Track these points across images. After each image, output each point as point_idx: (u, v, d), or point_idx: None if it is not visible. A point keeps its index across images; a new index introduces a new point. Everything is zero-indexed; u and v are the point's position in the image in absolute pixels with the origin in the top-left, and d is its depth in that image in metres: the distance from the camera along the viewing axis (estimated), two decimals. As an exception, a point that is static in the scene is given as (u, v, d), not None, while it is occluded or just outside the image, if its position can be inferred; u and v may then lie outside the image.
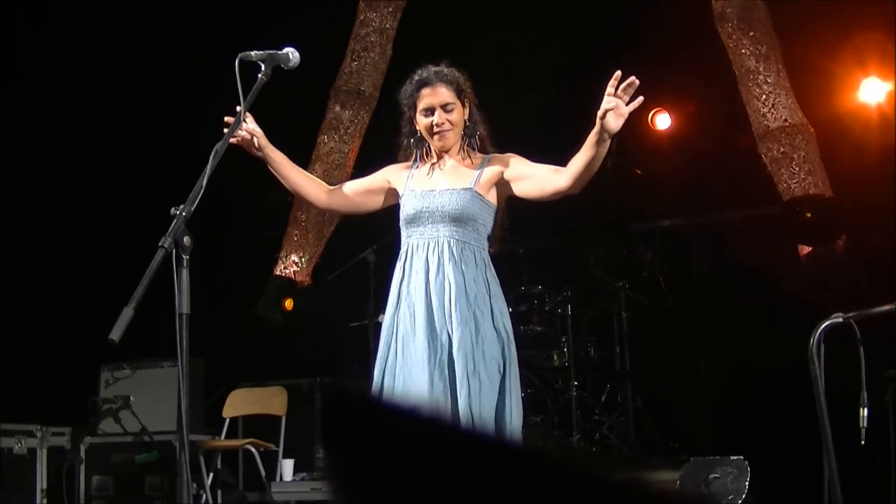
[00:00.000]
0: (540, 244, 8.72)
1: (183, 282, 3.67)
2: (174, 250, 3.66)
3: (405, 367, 4.41)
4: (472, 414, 4.25)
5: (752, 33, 9.02)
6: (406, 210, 4.59)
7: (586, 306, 8.57)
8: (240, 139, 4.50)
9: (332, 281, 9.25)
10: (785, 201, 8.73)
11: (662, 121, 9.18)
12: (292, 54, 4.20)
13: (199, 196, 3.77)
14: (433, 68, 4.64)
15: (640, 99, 4.19)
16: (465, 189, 4.53)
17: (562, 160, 4.41)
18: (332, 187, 4.92)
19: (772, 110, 8.93)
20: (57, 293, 9.40)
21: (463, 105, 4.62)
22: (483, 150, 4.68)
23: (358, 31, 10.19)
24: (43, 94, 9.51)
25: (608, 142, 4.23)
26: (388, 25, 10.17)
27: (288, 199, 9.77)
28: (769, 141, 8.91)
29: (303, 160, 10.06)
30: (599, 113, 4.14)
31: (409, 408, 1.07)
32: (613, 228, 8.55)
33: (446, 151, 4.64)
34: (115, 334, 3.50)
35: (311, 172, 8.93)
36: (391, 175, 4.77)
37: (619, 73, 4.16)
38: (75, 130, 9.68)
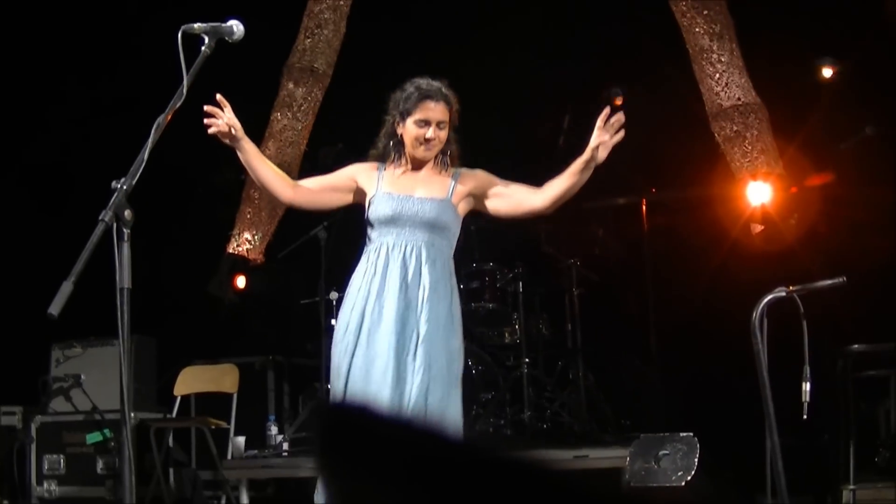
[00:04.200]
0: (491, 221, 8.71)
1: (124, 256, 3.64)
2: (115, 224, 3.62)
3: (368, 357, 4.61)
4: (425, 403, 4.54)
5: (706, 12, 9.04)
6: (382, 210, 4.75)
7: (538, 283, 8.56)
8: (218, 129, 4.64)
9: (283, 258, 9.23)
10: (737, 179, 8.76)
11: (616, 98, 9.17)
12: (236, 27, 4.15)
13: (141, 169, 3.74)
14: (436, 84, 4.82)
15: (622, 133, 4.57)
16: (443, 200, 4.77)
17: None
18: (296, 183, 5.01)
19: (725, 89, 8.96)
20: (6, 272, 9.32)
21: (449, 126, 4.83)
22: (452, 165, 4.90)
23: (311, 8, 10.12)
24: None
25: (592, 170, 4.65)
26: (341, 2, 10.10)
27: (241, 177, 9.72)
28: (722, 119, 8.94)
29: (256, 137, 9.98)
30: (591, 145, 4.55)
31: (404, 421, 1.08)
32: (565, 205, 8.55)
33: (422, 163, 4.84)
34: (54, 309, 3.47)
35: (263, 150, 8.92)
36: (358, 174, 4.93)
37: (608, 109, 4.59)
38: (12, 102, 9.57)
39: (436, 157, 4.84)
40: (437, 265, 4.68)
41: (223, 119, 4.63)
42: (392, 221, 4.71)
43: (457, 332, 4.74)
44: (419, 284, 4.63)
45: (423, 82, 4.80)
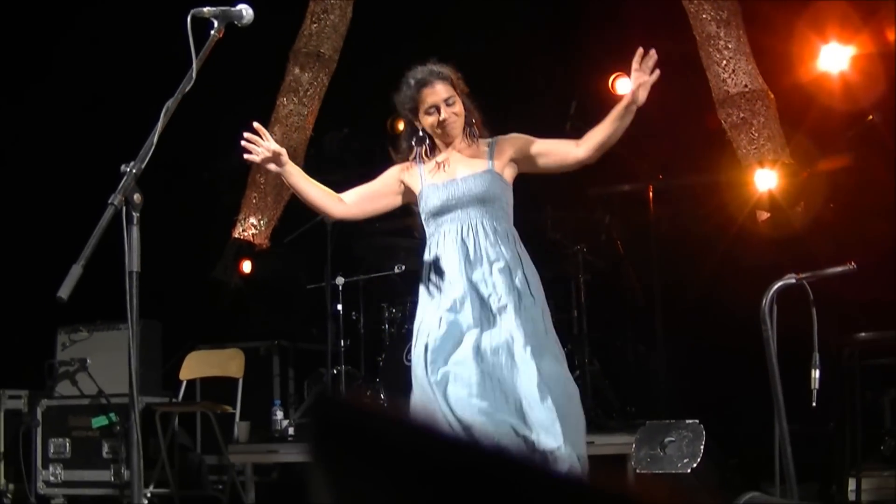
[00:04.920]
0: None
1: (133, 240, 3.64)
2: (124, 207, 3.62)
3: (449, 340, 4.54)
4: (537, 369, 4.39)
5: (713, -2, 9.03)
6: (431, 202, 4.77)
7: (544, 270, 8.53)
8: (262, 158, 4.70)
9: (289, 243, 9.23)
10: (744, 166, 8.75)
11: (623, 85, 9.13)
12: (245, 11, 4.15)
13: (150, 153, 3.74)
14: (426, 68, 4.82)
15: (658, 72, 4.56)
16: (486, 171, 4.76)
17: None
18: (343, 195, 4.99)
19: (732, 76, 8.94)
20: (12, 255, 9.33)
21: (458, 97, 4.81)
22: (482, 135, 4.89)
23: (318, -7, 10.13)
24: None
25: (633, 113, 4.59)
26: (348, -13, 10.11)
27: (247, 163, 9.72)
28: (729, 106, 8.93)
29: (262, 122, 10.00)
30: (633, 86, 4.54)
31: (401, 418, 1.07)
32: (571, 192, 8.52)
33: (451, 143, 4.84)
34: (64, 292, 3.47)
35: (270, 134, 8.85)
36: (402, 174, 4.95)
37: (641, 49, 4.55)
38: (24, 87, 9.58)
39: (463, 131, 4.85)
40: (497, 237, 4.66)
41: (264, 147, 4.68)
42: (443, 210, 4.73)
43: (536, 298, 4.66)
44: (482, 260, 4.61)
45: (415, 72, 4.82)
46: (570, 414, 4.42)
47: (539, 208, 8.55)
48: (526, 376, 4.39)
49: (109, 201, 3.60)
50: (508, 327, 4.50)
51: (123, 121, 7.09)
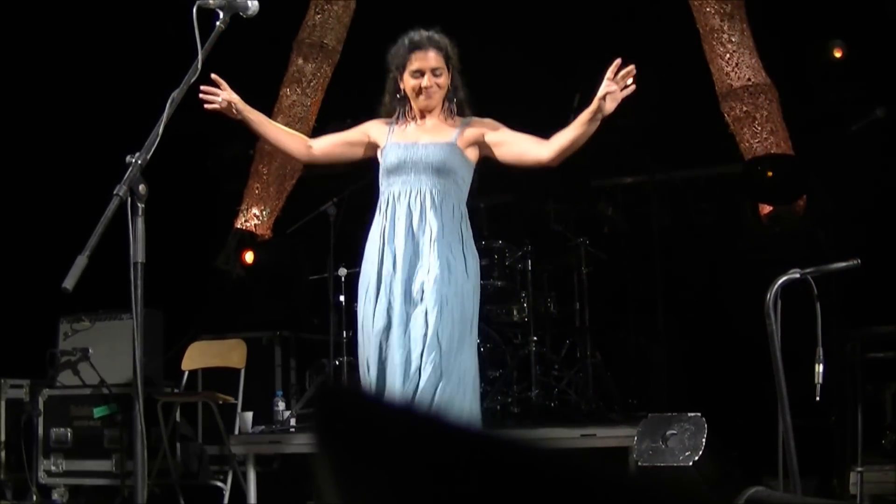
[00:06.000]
0: (500, 199, 8.70)
1: (138, 230, 3.64)
2: (129, 198, 3.63)
3: (384, 305, 4.68)
4: (438, 341, 4.55)
5: (717, -9, 9.02)
6: (389, 160, 4.84)
7: (546, 261, 8.55)
8: (218, 107, 4.78)
9: (292, 234, 9.22)
10: (747, 160, 8.75)
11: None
12: (251, 2, 4.16)
13: (156, 144, 3.74)
14: (426, 33, 4.88)
15: (633, 87, 4.51)
16: (448, 143, 4.82)
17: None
18: (312, 140, 5.17)
19: (735, 69, 8.93)
20: (14, 244, 9.32)
21: (448, 70, 4.88)
22: (461, 114, 4.94)
23: (321, -16, 10.13)
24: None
25: (599, 122, 4.59)
26: (351, -22, 10.11)
27: (249, 153, 9.72)
28: (732, 100, 8.93)
29: (265, 112, 9.98)
30: (599, 94, 4.49)
31: (405, 406, 1.07)
32: (574, 184, 8.52)
33: (429, 112, 4.90)
34: (69, 283, 3.47)
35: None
36: (371, 129, 5.03)
37: (619, 60, 4.50)
38: (28, 77, 9.57)
39: (443, 104, 4.91)
40: (443, 209, 4.71)
41: (220, 96, 4.75)
42: (398, 169, 4.79)
43: (470, 276, 4.73)
44: (425, 229, 4.67)
45: (414, 33, 4.88)
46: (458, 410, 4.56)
47: (541, 200, 8.55)
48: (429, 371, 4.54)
49: (115, 192, 3.60)
50: (433, 299, 4.58)
51: (128, 111, 7.10)
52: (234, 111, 4.79)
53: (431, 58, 4.80)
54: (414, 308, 4.61)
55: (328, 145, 5.11)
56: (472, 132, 4.85)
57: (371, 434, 1.04)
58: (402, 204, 4.73)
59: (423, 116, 4.91)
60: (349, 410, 1.07)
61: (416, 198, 4.71)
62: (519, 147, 4.84)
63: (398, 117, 4.96)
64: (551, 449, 0.95)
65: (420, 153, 4.77)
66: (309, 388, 8.84)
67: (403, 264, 4.65)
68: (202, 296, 9.67)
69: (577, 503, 0.95)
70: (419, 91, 4.82)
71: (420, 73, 4.81)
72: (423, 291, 4.60)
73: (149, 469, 7.50)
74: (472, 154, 4.88)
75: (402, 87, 4.90)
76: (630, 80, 4.50)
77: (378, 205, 4.87)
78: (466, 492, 0.96)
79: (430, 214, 4.67)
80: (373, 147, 4.99)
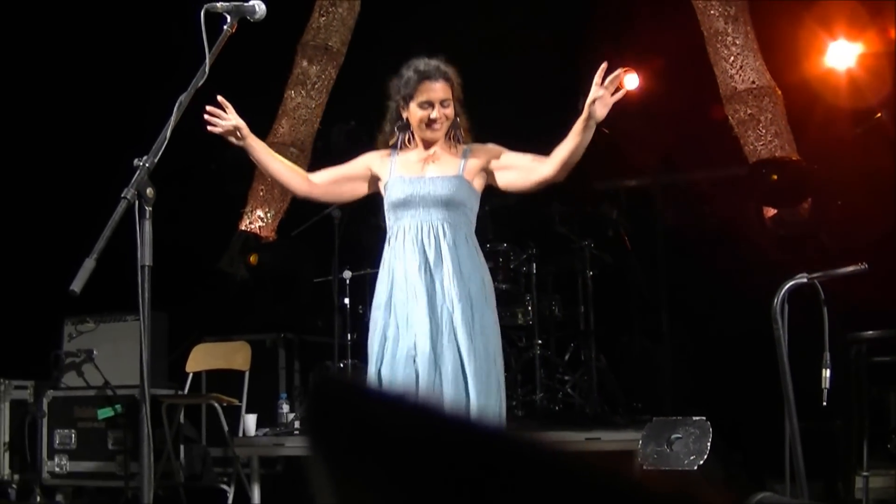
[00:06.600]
0: (505, 202, 8.70)
1: (145, 233, 3.64)
2: (137, 202, 3.63)
3: (408, 335, 4.60)
4: (465, 387, 4.50)
5: (721, -6, 9.02)
6: (395, 195, 4.75)
7: (551, 264, 8.55)
8: (221, 130, 4.70)
9: (296, 236, 9.23)
10: (751, 163, 8.75)
11: (630, 81, 9.14)
12: (258, 6, 4.16)
13: (163, 148, 3.74)
14: (433, 63, 4.79)
15: (624, 91, 4.49)
16: (455, 176, 4.74)
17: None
18: (312, 175, 5.02)
19: (739, 72, 8.93)
20: (19, 246, 9.33)
21: (453, 100, 4.79)
22: (461, 140, 4.87)
23: (326, -14, 10.13)
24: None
25: (594, 129, 4.48)
26: (356, -20, 10.11)
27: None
28: (736, 102, 8.93)
29: (270, 115, 10.05)
30: (588, 101, 4.40)
31: (398, 397, 1.06)
32: (579, 187, 8.53)
33: (432, 143, 4.82)
34: (77, 286, 3.47)
35: (276, 128, 8.83)
36: (372, 162, 4.93)
37: (605, 65, 4.41)
38: (36, 81, 9.58)
39: (446, 134, 4.83)
40: (457, 243, 4.65)
41: (228, 121, 4.69)
42: (406, 204, 4.71)
43: (490, 308, 4.69)
44: (441, 265, 4.60)
45: (421, 63, 4.78)
46: None
47: (546, 203, 8.55)
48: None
49: (122, 195, 3.60)
50: (458, 343, 4.53)
51: (136, 114, 7.09)
52: (237, 136, 4.72)
53: (440, 89, 4.72)
54: (438, 348, 4.54)
55: (328, 181, 4.98)
56: (475, 162, 4.79)
57: (365, 429, 1.03)
58: (411, 239, 4.66)
59: (426, 146, 4.84)
60: (342, 406, 1.06)
61: (428, 232, 4.65)
62: (522, 171, 4.76)
63: (399, 145, 4.89)
64: (553, 443, 0.95)
65: (427, 188, 4.71)
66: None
67: (426, 303, 4.57)
68: (206, 298, 9.66)
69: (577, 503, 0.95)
70: (428, 123, 4.75)
71: (429, 105, 4.72)
72: (449, 332, 4.55)
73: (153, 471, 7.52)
74: (479, 183, 4.83)
75: (405, 115, 4.82)
76: (619, 84, 4.46)
77: (387, 239, 4.80)
78: (466, 490, 0.96)
79: (444, 249, 4.62)
80: (375, 181, 4.92)
